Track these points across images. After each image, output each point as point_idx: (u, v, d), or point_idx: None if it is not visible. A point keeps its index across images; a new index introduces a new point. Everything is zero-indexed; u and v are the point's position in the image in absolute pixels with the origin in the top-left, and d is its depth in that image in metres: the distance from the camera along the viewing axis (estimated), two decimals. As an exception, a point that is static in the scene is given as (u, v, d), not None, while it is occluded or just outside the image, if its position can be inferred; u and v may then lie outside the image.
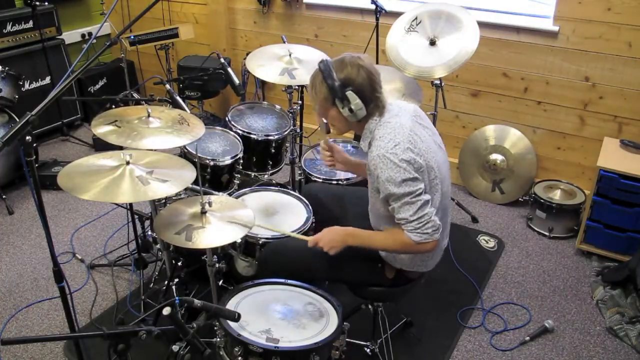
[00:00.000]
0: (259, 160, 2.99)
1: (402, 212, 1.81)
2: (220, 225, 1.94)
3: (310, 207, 2.44)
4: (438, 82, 3.06)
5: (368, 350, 2.37)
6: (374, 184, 1.88)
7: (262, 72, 2.75)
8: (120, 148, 2.07)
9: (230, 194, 2.44)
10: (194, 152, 2.46)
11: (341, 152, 2.30)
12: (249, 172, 2.98)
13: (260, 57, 2.85)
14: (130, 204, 2.71)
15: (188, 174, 1.98)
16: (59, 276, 1.84)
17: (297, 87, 2.96)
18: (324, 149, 2.29)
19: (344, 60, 1.86)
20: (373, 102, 1.87)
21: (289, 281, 1.98)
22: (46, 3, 4.14)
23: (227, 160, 2.71)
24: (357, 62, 1.84)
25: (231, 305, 1.83)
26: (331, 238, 1.94)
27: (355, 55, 1.87)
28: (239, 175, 2.85)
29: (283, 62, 2.80)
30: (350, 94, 1.82)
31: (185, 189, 2.35)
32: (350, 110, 1.84)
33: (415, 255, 1.99)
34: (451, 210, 2.17)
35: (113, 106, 2.41)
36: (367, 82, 1.83)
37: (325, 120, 1.96)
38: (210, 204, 1.99)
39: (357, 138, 3.58)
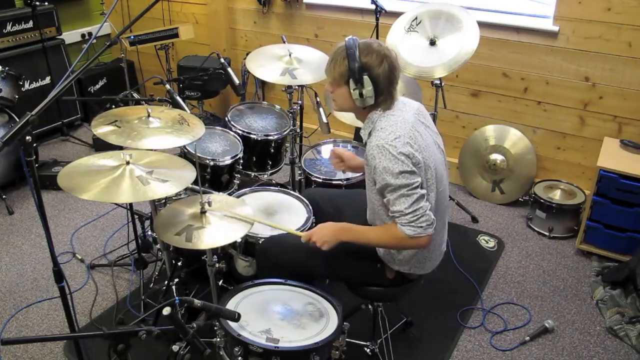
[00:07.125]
0: (258, 160, 2.99)
1: (398, 204, 1.80)
2: (220, 225, 1.94)
3: (310, 207, 2.44)
4: (438, 82, 3.06)
5: (368, 350, 2.37)
6: (371, 175, 1.87)
7: (262, 72, 2.75)
8: (120, 148, 2.07)
9: (230, 194, 2.44)
10: (194, 152, 2.46)
11: (350, 160, 2.31)
12: (249, 172, 2.98)
13: (260, 57, 2.85)
14: (130, 204, 2.71)
15: (188, 174, 1.98)
16: (59, 276, 1.84)
17: (297, 87, 2.96)
18: (335, 157, 2.32)
19: (371, 45, 1.86)
20: (384, 95, 1.88)
21: (289, 281, 1.98)
22: (46, 3, 4.15)
23: (227, 160, 2.72)
24: (384, 52, 1.85)
25: (231, 305, 1.83)
26: (324, 233, 1.94)
27: (384, 45, 1.88)
28: (239, 175, 2.85)
29: (283, 62, 2.80)
30: (366, 79, 1.82)
31: (185, 189, 2.35)
32: (361, 94, 1.85)
33: (412, 256, 1.98)
34: (449, 212, 2.17)
35: (113, 106, 2.41)
36: (387, 74, 1.85)
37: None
38: (210, 203, 1.99)
39: (357, 138, 3.59)
